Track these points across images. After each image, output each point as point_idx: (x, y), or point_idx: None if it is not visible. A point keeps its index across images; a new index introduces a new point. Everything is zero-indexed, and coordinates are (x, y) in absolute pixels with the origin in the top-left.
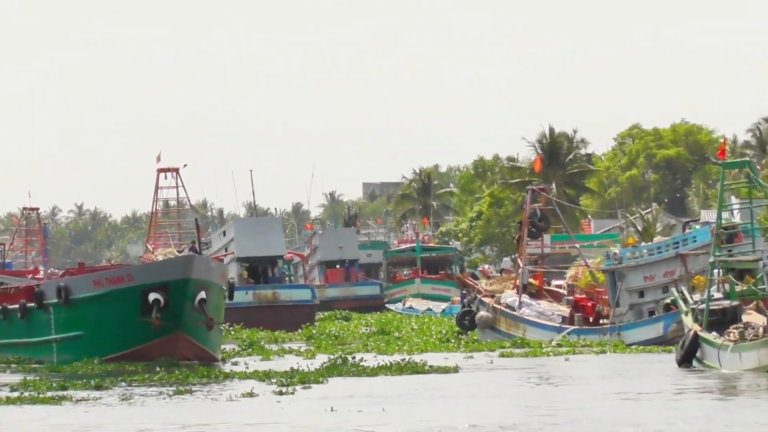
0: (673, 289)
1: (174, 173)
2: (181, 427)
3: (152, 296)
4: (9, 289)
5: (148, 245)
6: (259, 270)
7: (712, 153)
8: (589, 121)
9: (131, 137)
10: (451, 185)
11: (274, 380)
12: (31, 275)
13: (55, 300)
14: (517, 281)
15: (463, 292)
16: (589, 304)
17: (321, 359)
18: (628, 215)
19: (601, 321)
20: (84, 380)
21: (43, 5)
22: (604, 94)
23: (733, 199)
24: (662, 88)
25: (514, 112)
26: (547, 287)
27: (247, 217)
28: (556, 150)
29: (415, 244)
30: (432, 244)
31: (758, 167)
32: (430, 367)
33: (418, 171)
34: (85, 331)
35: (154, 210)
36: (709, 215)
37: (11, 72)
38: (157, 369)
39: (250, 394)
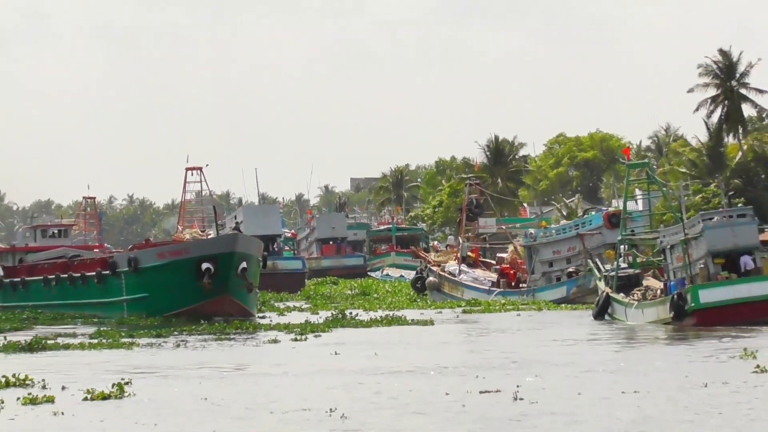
0: (589, 261)
1: (199, 171)
2: (221, 366)
3: (204, 265)
4: (86, 260)
5: (178, 226)
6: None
7: (620, 156)
8: (526, 129)
9: (170, 139)
10: (419, 180)
11: (293, 331)
12: (97, 249)
13: (126, 268)
14: (458, 254)
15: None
16: (512, 272)
17: (324, 314)
18: (556, 203)
19: (520, 285)
20: (146, 330)
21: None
22: (537, 108)
23: (638, 192)
24: (582, 103)
25: (467, 121)
26: (482, 259)
27: (255, 204)
28: (500, 152)
29: (391, 226)
30: (404, 226)
31: (656, 166)
32: (411, 320)
33: (393, 169)
34: (150, 293)
35: (182, 200)
36: (618, 204)
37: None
38: (201, 322)
39: (275, 341)
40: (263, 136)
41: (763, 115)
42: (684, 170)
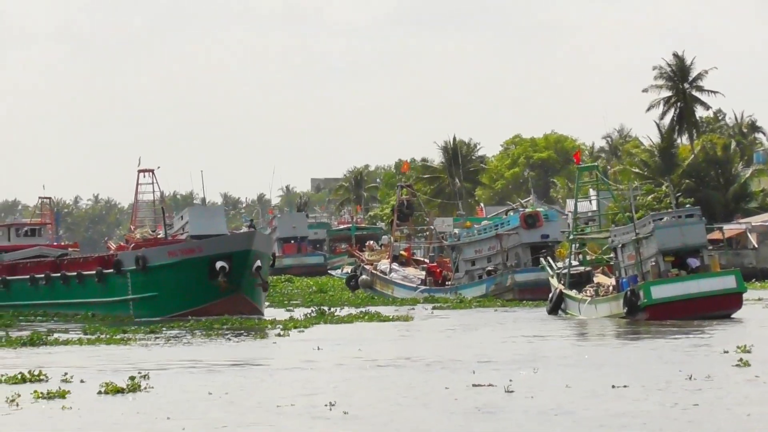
0: (542, 259)
1: (150, 173)
2: (205, 360)
3: (219, 264)
4: (78, 259)
5: (131, 226)
6: None
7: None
8: (483, 131)
9: (131, 142)
10: (378, 180)
11: (276, 327)
12: (71, 248)
13: (133, 267)
14: (390, 253)
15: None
16: (438, 270)
17: (300, 311)
18: (511, 203)
19: (446, 283)
20: (138, 326)
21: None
22: (493, 110)
23: (591, 192)
24: (537, 105)
25: (426, 123)
26: (414, 257)
27: (200, 205)
28: (457, 153)
29: (350, 225)
30: (363, 225)
31: (609, 167)
32: (391, 316)
33: (352, 169)
34: (160, 292)
35: (135, 201)
36: (570, 203)
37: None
38: (189, 318)
39: (262, 337)
40: (225, 139)
41: (719, 117)
42: (637, 170)
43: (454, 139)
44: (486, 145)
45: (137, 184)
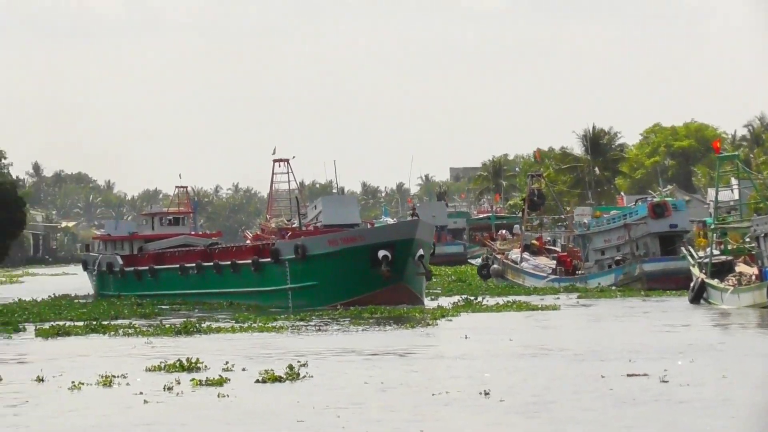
0: (683, 248)
1: (286, 162)
2: (360, 349)
3: (381, 253)
4: (231, 248)
5: (267, 215)
6: None
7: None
8: (622, 119)
9: (272, 132)
10: (517, 169)
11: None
12: (214, 237)
13: (292, 256)
14: (521, 242)
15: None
16: (569, 259)
17: (445, 300)
18: (652, 192)
19: (577, 272)
20: (287, 315)
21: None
22: (633, 98)
23: (733, 181)
24: (678, 93)
25: (565, 112)
26: (547, 247)
27: (334, 195)
28: (597, 141)
29: (490, 214)
30: (503, 214)
31: (751, 156)
32: (539, 306)
33: (492, 158)
34: (320, 281)
35: (270, 191)
36: (711, 192)
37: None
38: (338, 306)
39: (412, 326)
40: (365, 128)
41: None
42: None
43: (594, 127)
44: (626, 133)
45: (272, 173)
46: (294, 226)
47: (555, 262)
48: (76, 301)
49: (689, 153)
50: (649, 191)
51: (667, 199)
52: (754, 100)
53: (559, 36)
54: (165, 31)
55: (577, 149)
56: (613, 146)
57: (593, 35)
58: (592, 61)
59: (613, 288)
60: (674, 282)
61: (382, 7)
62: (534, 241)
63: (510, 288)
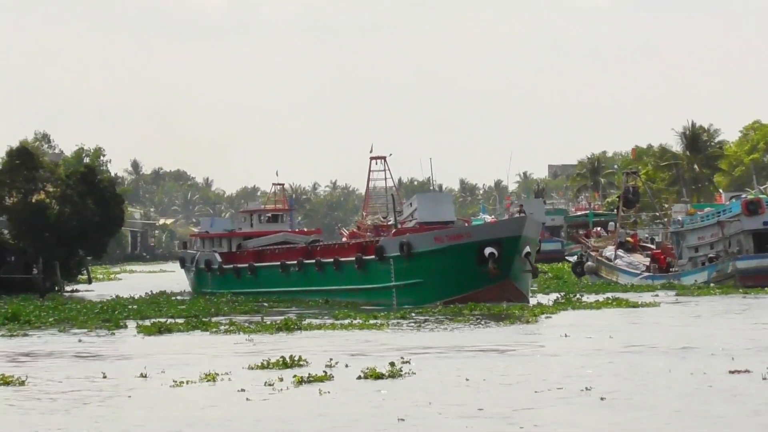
0: None
1: (383, 160)
2: (461, 345)
3: (488, 250)
4: (333, 245)
5: (363, 212)
6: None
7: None
8: (721, 116)
9: (371, 129)
10: (615, 167)
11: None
12: (313, 234)
13: (397, 253)
14: (616, 239)
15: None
16: (662, 257)
17: (542, 297)
18: (749, 189)
19: (671, 269)
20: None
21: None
22: (732, 95)
23: None
24: None
25: (663, 109)
26: (642, 243)
27: (430, 192)
28: (696, 138)
29: (588, 212)
30: (601, 211)
31: None
32: (639, 302)
33: (589, 156)
34: (425, 279)
35: (366, 188)
36: None
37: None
38: (437, 304)
39: (512, 322)
40: (463, 125)
41: None
42: None
43: (693, 124)
44: (725, 130)
45: (369, 170)
46: (390, 223)
47: (649, 259)
48: (173, 298)
49: None
50: (747, 188)
51: (761, 196)
52: None
53: (659, 33)
54: (264, 29)
55: (676, 146)
56: (712, 143)
57: (693, 32)
58: (691, 58)
59: (711, 285)
60: (767, 279)
61: (482, 4)
62: (629, 239)
63: (607, 285)
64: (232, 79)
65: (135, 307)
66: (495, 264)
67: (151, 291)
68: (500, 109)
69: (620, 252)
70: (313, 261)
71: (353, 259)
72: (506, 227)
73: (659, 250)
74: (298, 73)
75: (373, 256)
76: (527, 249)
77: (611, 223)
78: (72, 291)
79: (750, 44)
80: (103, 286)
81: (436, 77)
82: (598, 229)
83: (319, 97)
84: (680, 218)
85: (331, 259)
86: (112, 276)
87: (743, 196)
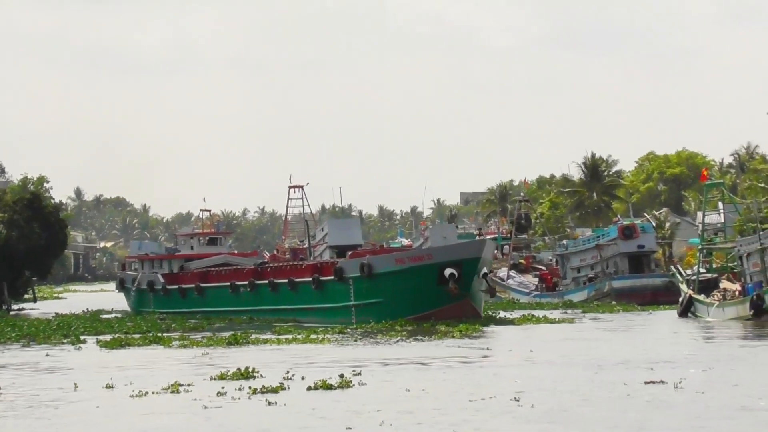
0: (672, 267)
1: (300, 189)
2: (410, 358)
3: (448, 271)
4: (284, 266)
5: (283, 237)
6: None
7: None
8: (619, 148)
9: (290, 160)
10: (521, 194)
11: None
12: (252, 256)
13: (357, 274)
14: (509, 261)
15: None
16: (549, 277)
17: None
18: (647, 215)
19: (556, 288)
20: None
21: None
22: (629, 129)
23: (720, 205)
24: (670, 124)
25: (565, 141)
26: (534, 264)
27: (338, 218)
28: (595, 168)
29: (496, 236)
30: (508, 235)
31: (738, 181)
32: (556, 319)
33: (498, 184)
34: (385, 298)
35: (285, 215)
36: (700, 216)
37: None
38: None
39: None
40: (382, 156)
41: None
42: (763, 185)
43: (593, 155)
44: (622, 161)
45: (288, 198)
46: (305, 247)
47: (537, 279)
48: (114, 316)
49: (680, 179)
50: (644, 214)
51: (635, 222)
52: (740, 131)
53: (564, 72)
54: (199, 65)
55: (578, 176)
56: (610, 173)
57: (594, 71)
58: (591, 95)
59: (595, 303)
60: (640, 297)
61: (402, 41)
62: (521, 260)
63: (511, 303)
64: (168, 110)
65: (88, 324)
66: (456, 284)
67: (88, 308)
68: (417, 141)
69: (512, 273)
70: (266, 282)
71: (310, 279)
72: (467, 250)
73: (547, 271)
74: (231, 104)
75: (331, 277)
76: (485, 269)
77: (506, 247)
78: (19, 309)
79: (646, 83)
80: (47, 304)
81: (358, 111)
82: (495, 252)
83: (249, 129)
84: (565, 242)
85: (286, 280)
86: (56, 295)
87: (620, 222)
